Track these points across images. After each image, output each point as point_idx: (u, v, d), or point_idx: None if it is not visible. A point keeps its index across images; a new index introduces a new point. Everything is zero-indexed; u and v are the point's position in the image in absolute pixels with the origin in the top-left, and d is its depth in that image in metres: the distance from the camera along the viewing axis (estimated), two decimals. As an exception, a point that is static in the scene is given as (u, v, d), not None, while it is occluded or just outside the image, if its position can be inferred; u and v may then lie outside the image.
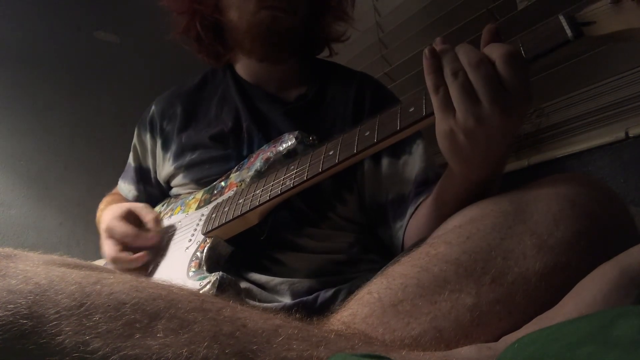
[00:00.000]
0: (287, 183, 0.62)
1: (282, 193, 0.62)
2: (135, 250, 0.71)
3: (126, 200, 0.92)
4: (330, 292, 0.64)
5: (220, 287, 0.55)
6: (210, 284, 0.56)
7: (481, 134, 0.47)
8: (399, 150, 0.78)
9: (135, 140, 0.92)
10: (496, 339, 0.42)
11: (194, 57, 0.99)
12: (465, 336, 0.42)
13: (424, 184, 0.74)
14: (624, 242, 0.42)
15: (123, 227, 0.72)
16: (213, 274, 0.57)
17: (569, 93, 0.88)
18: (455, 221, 0.52)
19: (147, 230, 0.73)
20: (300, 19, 0.80)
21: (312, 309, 0.61)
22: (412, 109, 0.51)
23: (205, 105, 0.86)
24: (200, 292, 0.55)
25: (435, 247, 0.49)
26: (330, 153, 0.59)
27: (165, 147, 0.86)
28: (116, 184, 0.99)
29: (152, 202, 0.91)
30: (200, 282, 0.57)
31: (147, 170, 0.91)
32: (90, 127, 1.43)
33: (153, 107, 0.91)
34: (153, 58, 1.57)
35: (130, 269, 0.71)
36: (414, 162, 0.77)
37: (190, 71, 0.97)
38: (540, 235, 0.44)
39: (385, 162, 0.77)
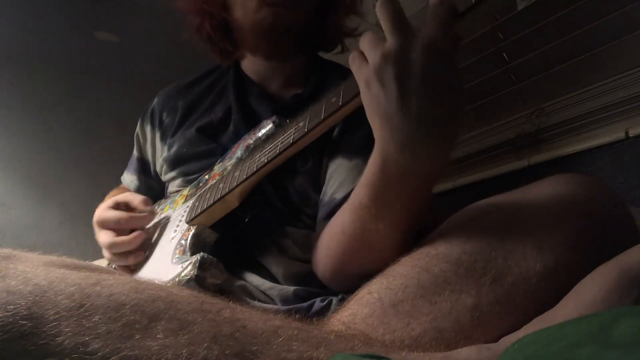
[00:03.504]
0: (262, 160, 0.62)
1: (257, 170, 0.61)
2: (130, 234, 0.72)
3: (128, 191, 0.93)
4: (324, 302, 0.63)
5: (202, 267, 0.55)
6: (192, 264, 0.56)
7: (390, 75, 0.42)
8: (353, 152, 0.71)
9: (137, 130, 0.93)
10: (496, 340, 0.42)
11: (194, 57, 0.99)
12: (466, 337, 0.42)
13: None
14: (624, 242, 0.42)
15: (115, 213, 0.73)
16: (194, 256, 0.57)
17: (569, 93, 0.88)
18: (456, 221, 0.52)
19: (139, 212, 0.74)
20: (304, 15, 0.79)
21: (306, 315, 0.61)
22: None
23: (204, 97, 0.86)
24: (182, 274, 0.56)
25: (435, 247, 0.49)
26: (300, 124, 0.59)
27: (163, 140, 0.86)
28: (116, 183, 0.99)
29: (153, 195, 0.91)
30: (182, 265, 0.57)
31: (147, 162, 0.92)
32: (90, 127, 1.43)
33: (155, 99, 0.92)
34: (153, 58, 1.57)
35: (130, 251, 0.71)
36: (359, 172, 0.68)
37: (190, 71, 0.97)
38: (540, 235, 0.44)
39: (338, 161, 0.71)
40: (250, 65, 0.87)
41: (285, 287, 0.64)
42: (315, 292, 0.65)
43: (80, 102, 1.43)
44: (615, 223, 0.46)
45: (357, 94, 0.48)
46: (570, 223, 0.44)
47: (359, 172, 0.61)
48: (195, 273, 0.55)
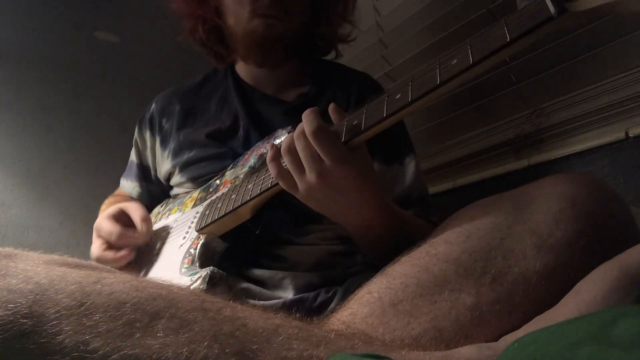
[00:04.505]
0: None
1: (272, 186, 0.62)
2: (122, 249, 0.72)
3: (130, 198, 0.93)
4: (329, 293, 0.64)
5: (211, 282, 0.55)
6: (201, 279, 0.56)
7: (317, 195, 0.56)
8: (391, 157, 0.78)
9: (136, 135, 0.93)
10: (496, 339, 0.42)
11: (194, 57, 0.99)
12: (466, 336, 0.42)
13: (404, 202, 0.74)
14: (624, 242, 0.42)
15: (109, 226, 0.72)
16: (204, 270, 0.57)
17: (569, 93, 0.88)
18: (456, 220, 0.52)
19: (134, 229, 0.73)
20: (295, 25, 0.80)
21: (310, 308, 0.62)
22: (398, 96, 0.52)
23: (204, 104, 0.86)
24: (191, 287, 0.56)
25: (435, 247, 0.49)
26: None
27: (164, 145, 0.86)
28: (116, 183, 0.99)
29: (154, 200, 0.91)
30: (191, 277, 0.58)
31: (147, 168, 0.92)
32: (90, 127, 1.43)
33: (153, 105, 0.92)
34: (153, 58, 1.57)
35: (116, 267, 0.71)
36: (403, 176, 0.78)
37: (190, 71, 0.97)
38: (540, 235, 0.44)
39: (375, 166, 0.76)
40: (244, 69, 0.88)
41: (301, 274, 0.65)
42: (329, 280, 0.66)
43: (80, 102, 1.42)
44: (616, 222, 0.46)
45: (380, 120, 0.52)
46: (570, 222, 0.44)
47: (400, 179, 0.77)
48: (205, 288, 0.55)
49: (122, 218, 0.75)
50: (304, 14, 0.82)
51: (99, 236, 0.73)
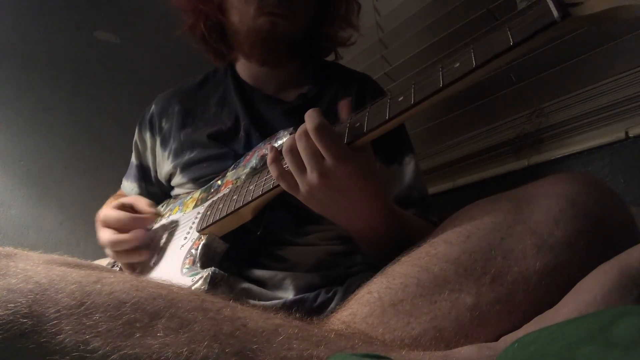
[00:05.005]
0: None
1: (273, 187, 0.62)
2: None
3: None
4: (329, 293, 0.64)
5: (212, 283, 0.56)
6: (202, 279, 0.56)
7: (318, 195, 0.56)
8: (391, 157, 0.79)
9: (136, 137, 0.93)
10: (496, 339, 0.42)
11: (194, 57, 0.99)
12: (465, 336, 0.42)
13: (404, 202, 0.75)
14: (624, 242, 0.42)
15: (117, 213, 0.73)
16: (205, 270, 0.57)
17: (569, 93, 0.88)
18: (456, 220, 0.52)
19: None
20: (300, 25, 0.81)
21: (310, 308, 0.62)
22: (401, 99, 0.52)
23: (204, 104, 0.86)
24: (192, 288, 0.56)
25: (435, 247, 0.49)
26: None
27: (164, 145, 0.86)
28: (116, 183, 0.99)
29: (154, 201, 0.91)
30: (192, 278, 0.58)
31: (147, 169, 0.92)
32: (90, 127, 1.43)
33: (153, 106, 0.92)
34: (153, 58, 1.57)
35: (129, 250, 0.72)
36: (402, 177, 0.78)
37: (190, 71, 0.97)
38: (540, 234, 0.44)
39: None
40: (245, 68, 0.88)
41: (301, 274, 0.65)
42: (329, 280, 0.66)
43: (80, 102, 1.42)
44: (616, 222, 0.46)
45: (382, 123, 0.52)
46: (570, 222, 0.44)
47: (399, 180, 0.78)
48: (206, 289, 0.55)
49: (124, 209, 0.76)
50: (308, 14, 0.82)
51: (106, 226, 0.73)
